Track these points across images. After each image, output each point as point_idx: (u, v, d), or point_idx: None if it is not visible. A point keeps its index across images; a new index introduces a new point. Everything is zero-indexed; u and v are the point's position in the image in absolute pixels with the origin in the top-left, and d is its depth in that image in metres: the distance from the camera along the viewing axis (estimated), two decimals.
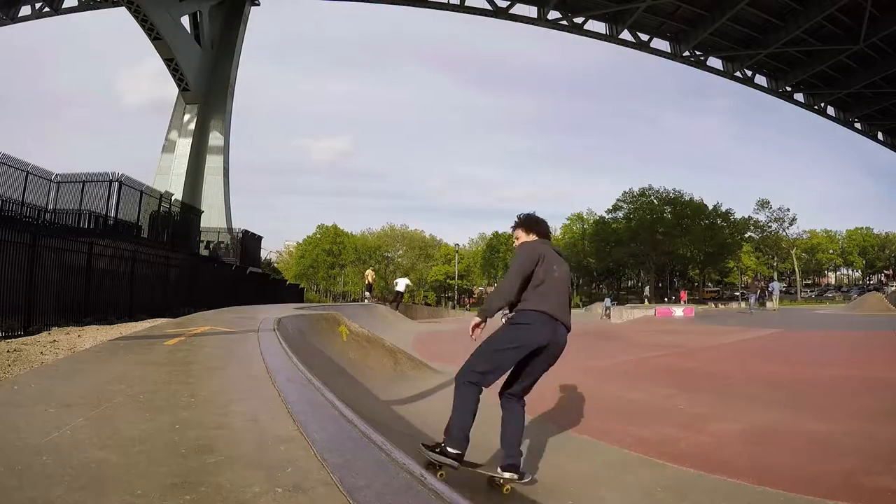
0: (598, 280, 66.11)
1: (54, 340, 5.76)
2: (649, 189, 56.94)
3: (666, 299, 48.39)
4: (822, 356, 8.11)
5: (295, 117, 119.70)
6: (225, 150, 27.24)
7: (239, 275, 19.44)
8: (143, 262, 11.14)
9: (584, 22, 29.80)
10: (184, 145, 26.04)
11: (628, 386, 6.07)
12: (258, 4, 29.49)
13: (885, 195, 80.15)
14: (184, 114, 26.40)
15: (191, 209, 20.66)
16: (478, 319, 2.63)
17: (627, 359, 8.57)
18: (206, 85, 26.71)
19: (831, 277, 73.94)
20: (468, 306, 53.67)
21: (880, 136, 37.19)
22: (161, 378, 2.88)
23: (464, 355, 2.71)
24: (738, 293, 51.33)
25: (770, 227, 57.20)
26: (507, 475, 2.55)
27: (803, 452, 3.39)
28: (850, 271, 73.49)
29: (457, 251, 56.52)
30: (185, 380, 2.87)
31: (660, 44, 30.98)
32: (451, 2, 28.90)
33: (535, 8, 29.19)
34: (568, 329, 2.71)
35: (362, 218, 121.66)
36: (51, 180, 12.76)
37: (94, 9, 29.43)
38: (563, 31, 30.16)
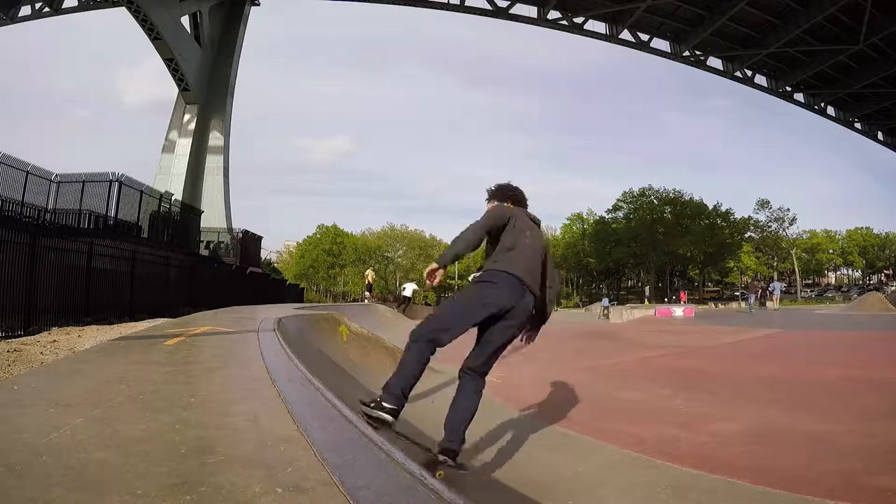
0: (598, 280, 66.12)
1: (54, 340, 5.76)
2: (649, 189, 57.08)
3: (666, 299, 48.40)
4: (823, 356, 8.10)
5: (295, 117, 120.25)
6: (225, 150, 27.23)
7: (239, 275, 19.44)
8: (143, 262, 11.14)
9: (584, 22, 29.85)
10: (184, 145, 26.03)
11: (628, 386, 6.08)
12: (258, 4, 29.49)
13: (885, 195, 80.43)
14: (184, 114, 26.39)
15: (191, 209, 20.68)
16: (435, 265, 2.39)
17: (627, 359, 8.58)
18: (206, 85, 26.71)
19: (831, 277, 73.87)
20: None
21: (880, 136, 37.23)
22: (161, 378, 2.87)
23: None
24: (738, 293, 51.25)
25: (770, 226, 57.22)
26: (440, 457, 2.33)
27: (803, 452, 3.38)
28: (850, 271, 73.42)
29: None
30: (185, 380, 2.86)
31: (660, 44, 31.07)
32: (451, 2, 28.94)
33: (535, 8, 29.24)
34: (536, 297, 2.52)
35: (362, 218, 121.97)
36: (51, 180, 12.78)
37: (94, 9, 29.40)
38: (563, 31, 30.21)
